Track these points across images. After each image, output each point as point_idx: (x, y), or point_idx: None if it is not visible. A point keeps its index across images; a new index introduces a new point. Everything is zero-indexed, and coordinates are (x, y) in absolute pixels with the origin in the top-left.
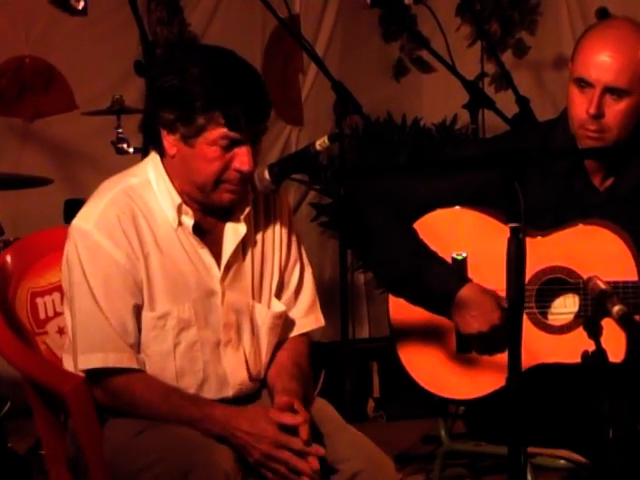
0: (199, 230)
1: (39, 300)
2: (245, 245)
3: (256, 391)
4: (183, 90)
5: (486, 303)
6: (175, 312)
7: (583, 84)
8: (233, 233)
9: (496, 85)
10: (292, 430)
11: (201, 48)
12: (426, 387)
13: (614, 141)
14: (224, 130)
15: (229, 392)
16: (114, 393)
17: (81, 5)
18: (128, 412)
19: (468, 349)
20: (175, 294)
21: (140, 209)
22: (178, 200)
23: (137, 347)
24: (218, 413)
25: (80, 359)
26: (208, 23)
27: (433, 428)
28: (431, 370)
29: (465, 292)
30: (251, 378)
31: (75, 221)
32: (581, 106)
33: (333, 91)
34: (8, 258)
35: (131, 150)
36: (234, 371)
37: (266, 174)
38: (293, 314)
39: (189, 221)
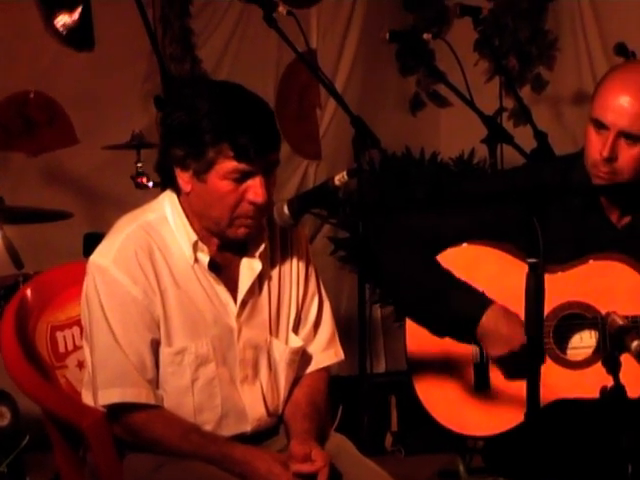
0: (215, 266)
1: (59, 334)
2: (261, 280)
3: (274, 426)
4: (191, 125)
5: (509, 329)
6: (193, 348)
7: (599, 125)
8: (248, 269)
9: (515, 120)
10: (311, 475)
11: (209, 83)
12: (443, 423)
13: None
14: (234, 162)
15: (247, 427)
16: (134, 430)
17: (66, 31)
18: (148, 448)
19: (486, 385)
20: (192, 330)
21: (157, 244)
22: (194, 237)
23: (155, 383)
24: (238, 454)
25: (99, 394)
26: (220, 59)
27: (451, 462)
28: (448, 406)
29: (489, 316)
30: (269, 413)
31: (93, 257)
32: (595, 146)
33: (352, 126)
34: (28, 292)
35: (150, 184)
36: (252, 406)
37: (285, 209)
38: (312, 349)
39: (205, 258)
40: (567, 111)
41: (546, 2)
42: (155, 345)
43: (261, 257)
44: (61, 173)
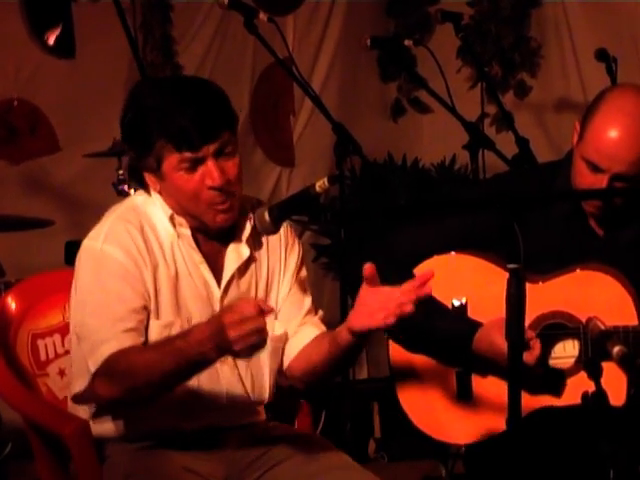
0: (199, 249)
1: (40, 342)
2: (248, 268)
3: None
4: (136, 124)
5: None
6: (178, 323)
7: (594, 167)
8: (235, 254)
9: (497, 126)
10: None
11: (154, 80)
12: (426, 431)
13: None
14: (176, 154)
15: (224, 401)
16: (111, 366)
17: (52, 41)
18: (126, 387)
19: (468, 394)
20: (177, 306)
21: (147, 222)
22: (169, 211)
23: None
24: (203, 327)
25: (99, 352)
26: (200, 66)
27: (434, 469)
28: (431, 414)
29: (477, 344)
30: (250, 398)
31: (85, 242)
32: (588, 180)
33: (334, 132)
34: (9, 300)
35: (132, 192)
36: (230, 387)
37: (266, 216)
38: (314, 320)
39: (185, 231)
40: (550, 117)
41: (529, 9)
42: (146, 311)
43: (248, 243)
44: (43, 181)
